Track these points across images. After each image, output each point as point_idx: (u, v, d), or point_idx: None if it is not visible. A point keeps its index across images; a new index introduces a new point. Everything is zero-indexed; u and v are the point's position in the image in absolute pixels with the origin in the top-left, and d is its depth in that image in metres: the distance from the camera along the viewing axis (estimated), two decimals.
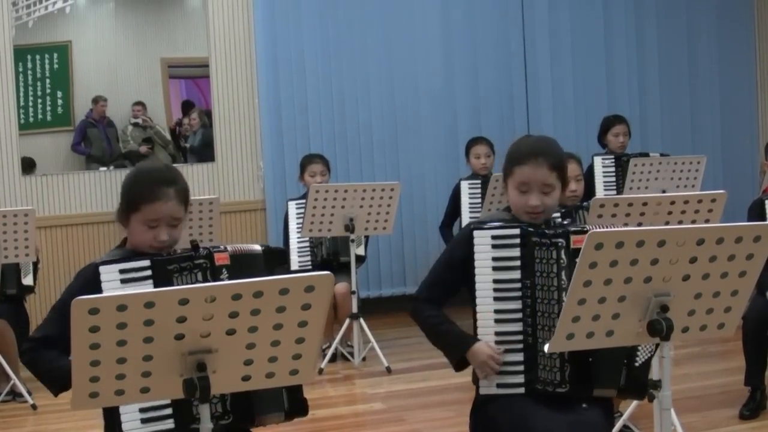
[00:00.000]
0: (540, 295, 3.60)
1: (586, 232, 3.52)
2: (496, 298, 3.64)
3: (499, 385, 3.62)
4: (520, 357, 3.62)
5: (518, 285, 3.63)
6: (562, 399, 3.55)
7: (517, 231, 3.65)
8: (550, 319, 3.56)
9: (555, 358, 3.54)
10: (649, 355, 3.55)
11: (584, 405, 3.55)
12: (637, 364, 3.55)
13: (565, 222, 3.73)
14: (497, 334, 3.63)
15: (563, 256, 3.54)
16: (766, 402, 5.68)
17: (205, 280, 3.29)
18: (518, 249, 3.64)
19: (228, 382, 2.78)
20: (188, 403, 3.15)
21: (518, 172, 3.67)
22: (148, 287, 3.21)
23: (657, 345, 3.42)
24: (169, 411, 3.23)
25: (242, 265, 3.37)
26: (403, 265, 8.97)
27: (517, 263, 3.64)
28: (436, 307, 3.78)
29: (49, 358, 3.27)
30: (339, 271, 7.11)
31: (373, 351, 7.15)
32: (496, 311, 3.64)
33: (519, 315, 3.63)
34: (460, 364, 3.74)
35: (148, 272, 3.27)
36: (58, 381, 3.25)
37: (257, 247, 3.49)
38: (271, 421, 3.42)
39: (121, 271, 3.25)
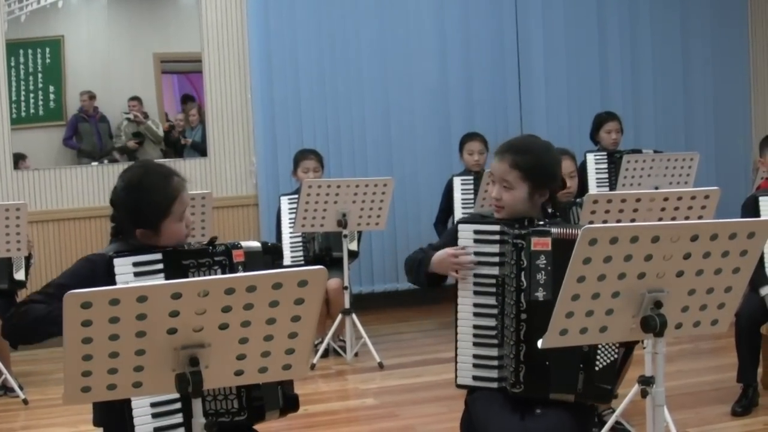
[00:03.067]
0: (506, 293, 3.66)
1: (549, 234, 3.58)
2: (475, 292, 3.72)
3: (474, 378, 3.70)
4: (494, 352, 3.68)
5: (493, 281, 3.69)
6: (521, 401, 3.62)
7: (497, 227, 3.71)
8: (509, 318, 3.62)
9: (512, 357, 3.60)
10: (611, 359, 3.54)
11: (538, 411, 3.59)
12: (597, 369, 3.55)
13: (542, 222, 3.72)
14: (475, 327, 3.71)
15: (523, 257, 3.60)
16: (758, 399, 5.69)
17: None
18: (497, 245, 3.69)
19: (221, 376, 2.77)
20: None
21: (491, 164, 3.84)
22: (159, 281, 3.21)
23: (622, 348, 3.47)
24: (178, 405, 3.26)
25: (252, 261, 3.41)
26: (395, 260, 8.96)
27: (496, 259, 3.69)
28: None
29: (38, 308, 3.25)
30: (331, 267, 7.10)
31: (366, 346, 7.14)
32: (475, 305, 3.71)
33: (495, 311, 3.69)
34: (431, 280, 3.84)
35: (160, 266, 3.28)
36: (41, 326, 3.22)
37: (256, 244, 3.51)
38: (270, 418, 3.44)
39: (135, 264, 3.26)
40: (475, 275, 3.70)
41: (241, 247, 3.39)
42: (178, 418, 3.25)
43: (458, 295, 3.73)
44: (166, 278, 3.23)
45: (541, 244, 3.56)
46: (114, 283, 3.19)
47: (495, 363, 3.66)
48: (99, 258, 3.32)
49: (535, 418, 3.56)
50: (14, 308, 3.34)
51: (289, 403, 3.47)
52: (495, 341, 3.67)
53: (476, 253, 3.70)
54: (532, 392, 3.58)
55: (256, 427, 3.48)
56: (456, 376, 3.75)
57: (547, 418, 3.54)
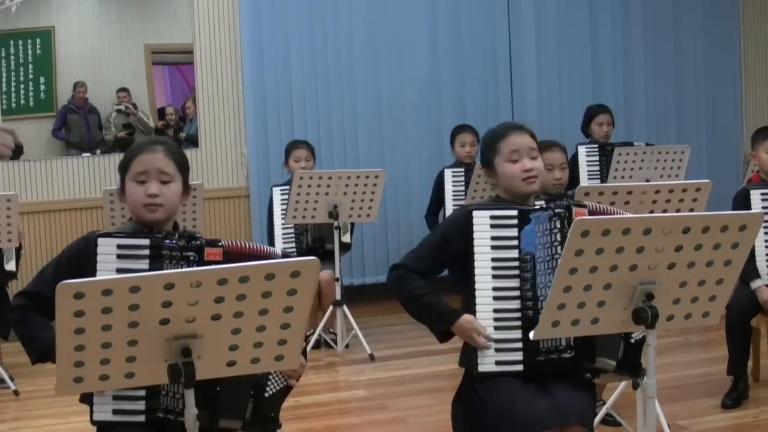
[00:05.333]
0: (542, 267, 3.67)
1: (586, 207, 3.73)
2: (494, 276, 3.70)
3: (497, 363, 3.66)
4: (518, 334, 3.67)
5: (515, 264, 3.70)
6: (557, 370, 3.61)
7: (514, 212, 3.73)
8: (546, 289, 3.62)
9: None
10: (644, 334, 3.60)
11: (587, 375, 3.64)
12: (632, 341, 3.66)
13: (551, 204, 3.78)
14: (495, 311, 3.69)
15: (566, 225, 3.64)
16: (748, 391, 5.70)
17: None
18: (515, 229, 3.71)
19: (213, 367, 2.77)
20: (157, 392, 3.15)
21: (504, 145, 3.83)
22: (143, 265, 3.19)
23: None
24: (142, 393, 3.19)
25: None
26: (387, 252, 8.96)
27: (515, 243, 3.71)
28: (420, 278, 3.81)
29: (35, 326, 3.27)
30: (323, 259, 7.09)
31: (357, 338, 7.14)
32: (495, 289, 3.69)
33: (517, 293, 3.69)
34: (444, 335, 3.80)
35: (146, 251, 3.22)
36: (37, 351, 3.24)
37: (275, 251, 3.37)
38: (230, 426, 3.30)
39: (119, 246, 3.22)
40: (493, 260, 3.70)
41: (219, 246, 3.26)
42: (141, 405, 3.19)
43: (476, 281, 3.70)
44: (150, 266, 3.19)
45: (580, 213, 3.65)
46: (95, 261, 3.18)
47: (519, 345, 3.65)
48: (91, 234, 3.30)
49: (560, 392, 3.58)
50: (18, 302, 3.36)
51: (262, 422, 3.34)
52: (518, 323, 3.66)
53: (493, 237, 3.71)
54: (582, 356, 3.61)
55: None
56: (467, 370, 3.73)
57: (570, 392, 3.59)
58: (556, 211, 3.69)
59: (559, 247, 3.63)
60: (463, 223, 3.76)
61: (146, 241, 3.24)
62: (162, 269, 3.17)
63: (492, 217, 3.73)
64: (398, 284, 3.84)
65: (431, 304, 3.78)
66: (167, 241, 3.26)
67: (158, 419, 3.18)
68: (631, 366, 3.68)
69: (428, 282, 3.82)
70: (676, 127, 9.83)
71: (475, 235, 3.72)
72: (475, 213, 3.74)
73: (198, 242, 3.27)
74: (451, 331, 3.75)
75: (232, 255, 3.25)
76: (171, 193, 3.36)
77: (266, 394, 3.35)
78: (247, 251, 3.29)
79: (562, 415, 3.51)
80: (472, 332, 3.64)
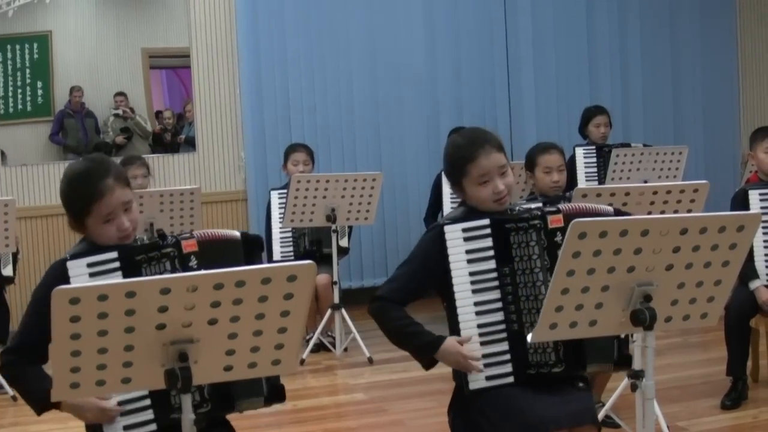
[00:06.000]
0: (521, 279, 3.61)
1: (560, 212, 3.63)
2: (474, 291, 3.62)
3: (488, 378, 3.60)
4: (505, 346, 3.61)
5: (494, 275, 3.63)
6: (550, 382, 3.58)
7: (486, 221, 3.65)
8: (536, 302, 3.57)
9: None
10: None
11: (580, 384, 3.61)
12: (622, 337, 3.63)
13: (525, 206, 3.74)
14: (479, 326, 3.61)
15: (543, 236, 3.59)
16: (747, 392, 5.70)
17: (174, 269, 3.25)
18: (490, 239, 3.63)
19: (210, 372, 2.76)
20: (167, 393, 3.14)
21: (473, 169, 3.65)
22: (117, 277, 3.18)
23: None
24: (147, 402, 3.22)
25: (214, 251, 3.33)
26: (385, 255, 8.96)
27: (491, 253, 3.63)
28: (401, 307, 3.71)
29: (30, 378, 3.26)
30: (321, 262, 7.10)
31: (355, 342, 7.14)
32: (476, 303, 3.62)
33: (499, 305, 3.62)
34: (429, 362, 3.70)
35: (116, 264, 3.22)
36: (39, 402, 3.23)
37: (234, 233, 3.45)
38: (251, 407, 3.37)
39: (89, 265, 3.21)
40: (471, 273, 3.62)
41: (192, 237, 3.31)
42: (149, 415, 3.22)
43: (456, 297, 3.62)
44: (124, 276, 3.18)
45: (556, 221, 3.60)
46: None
47: (507, 357, 3.60)
48: (55, 264, 3.27)
49: (562, 390, 3.55)
50: (6, 359, 3.32)
51: (275, 394, 3.40)
52: (503, 335, 3.60)
53: (468, 251, 3.62)
54: (573, 368, 3.58)
55: (239, 419, 3.45)
56: (458, 383, 3.66)
57: (578, 395, 3.57)
58: (531, 222, 3.60)
59: (537, 260, 3.58)
60: (436, 241, 3.65)
61: (113, 254, 3.24)
62: (142, 275, 3.17)
63: (464, 230, 3.64)
64: (379, 317, 3.73)
65: (413, 334, 3.66)
66: (147, 242, 3.31)
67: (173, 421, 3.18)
68: (624, 360, 3.65)
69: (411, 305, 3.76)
70: (673, 127, 9.83)
71: (449, 251, 3.63)
72: (446, 228, 3.64)
73: (173, 238, 3.30)
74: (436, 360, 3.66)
75: (203, 243, 3.32)
76: (135, 214, 3.35)
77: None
78: (215, 237, 3.38)
79: (575, 416, 3.47)
80: (458, 357, 3.55)
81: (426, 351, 3.64)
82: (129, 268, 3.22)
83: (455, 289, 3.64)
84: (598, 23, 9.58)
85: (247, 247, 3.44)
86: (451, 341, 3.58)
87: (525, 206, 3.75)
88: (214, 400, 3.27)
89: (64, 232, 8.22)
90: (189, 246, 3.30)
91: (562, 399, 3.52)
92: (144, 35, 8.75)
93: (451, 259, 3.64)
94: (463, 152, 3.70)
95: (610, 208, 3.81)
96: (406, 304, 3.74)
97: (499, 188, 3.63)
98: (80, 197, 3.28)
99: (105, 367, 2.64)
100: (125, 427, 3.21)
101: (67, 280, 3.17)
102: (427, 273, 3.69)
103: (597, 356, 3.61)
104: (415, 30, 9.10)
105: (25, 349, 3.26)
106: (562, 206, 3.68)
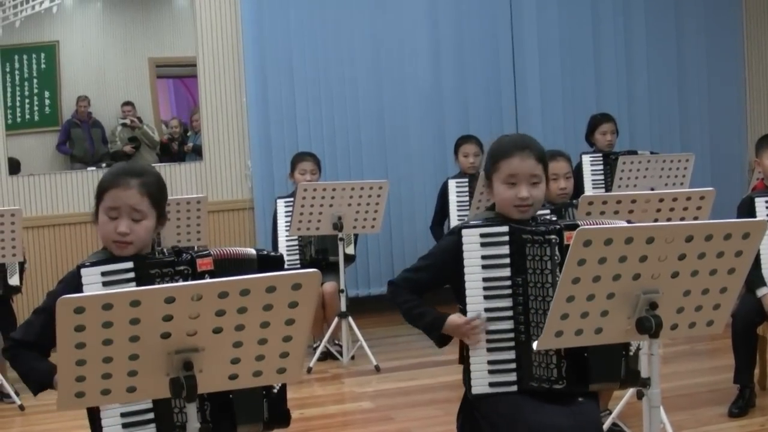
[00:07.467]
0: (533, 292, 3.59)
1: (578, 227, 3.56)
2: (486, 297, 3.63)
3: (491, 384, 3.61)
4: (512, 355, 3.61)
5: (508, 283, 3.63)
6: (556, 394, 3.56)
7: (505, 228, 3.64)
8: (545, 315, 3.52)
9: (551, 354, 3.53)
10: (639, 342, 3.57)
11: (580, 399, 3.58)
12: (631, 354, 3.59)
13: (552, 218, 3.73)
14: (488, 332, 3.62)
15: (557, 252, 3.55)
16: (755, 400, 5.68)
17: None
18: (507, 246, 3.63)
19: (215, 380, 2.76)
20: (169, 408, 3.15)
21: (505, 166, 3.68)
22: (130, 288, 3.17)
23: None
24: (150, 416, 3.21)
25: (230, 269, 3.26)
26: (391, 263, 8.95)
27: (507, 261, 3.63)
28: (410, 292, 3.82)
29: (28, 359, 3.32)
30: (328, 270, 7.10)
31: (362, 350, 7.13)
32: (487, 310, 3.62)
33: (510, 313, 3.62)
34: (441, 340, 3.78)
35: (131, 274, 3.21)
36: (36, 381, 3.31)
37: (251, 251, 3.43)
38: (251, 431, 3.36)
39: (103, 274, 3.20)
40: (484, 279, 3.63)
41: (209, 255, 3.28)
42: (151, 428, 3.20)
43: (467, 302, 3.64)
44: (137, 286, 3.17)
45: (571, 237, 3.53)
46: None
47: (513, 366, 3.60)
48: (70, 273, 3.29)
49: (577, 407, 3.54)
50: (7, 343, 3.42)
51: (277, 418, 3.39)
52: (511, 344, 3.61)
53: (483, 257, 3.63)
54: (575, 386, 3.56)
55: None
56: (469, 386, 3.66)
57: (584, 406, 3.55)
58: (547, 237, 3.57)
59: (549, 275, 3.56)
60: (453, 245, 3.68)
61: (129, 264, 3.23)
62: None
63: (482, 235, 3.64)
64: (393, 300, 3.86)
65: (421, 314, 3.77)
66: (163, 257, 3.28)
67: None
68: (635, 380, 3.58)
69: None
70: (679, 135, 9.81)
71: (465, 254, 3.64)
72: (464, 231, 3.66)
73: (189, 255, 3.28)
74: (448, 336, 3.74)
75: (220, 262, 3.30)
76: (142, 230, 3.32)
77: (274, 390, 3.37)
78: (232, 255, 3.35)
79: (580, 428, 3.46)
80: (462, 326, 3.62)
81: (434, 328, 3.74)
82: (143, 279, 3.20)
83: (467, 293, 3.65)
84: (604, 31, 9.56)
85: (265, 267, 3.37)
86: (454, 317, 3.68)
87: (548, 218, 3.74)
88: (216, 422, 3.26)
89: (71, 242, 8.23)
90: (204, 264, 3.27)
91: (570, 410, 3.51)
92: (151, 45, 8.77)
93: (466, 263, 3.65)
94: (503, 149, 3.75)
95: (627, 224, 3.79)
96: (418, 293, 3.82)
97: (523, 194, 3.64)
98: (102, 181, 3.43)
99: (110, 377, 2.64)
100: None
101: (80, 288, 3.18)
102: (442, 272, 3.76)
103: (603, 374, 3.58)
104: (420, 39, 9.10)
105: (25, 345, 3.35)
106: (581, 222, 3.61)
